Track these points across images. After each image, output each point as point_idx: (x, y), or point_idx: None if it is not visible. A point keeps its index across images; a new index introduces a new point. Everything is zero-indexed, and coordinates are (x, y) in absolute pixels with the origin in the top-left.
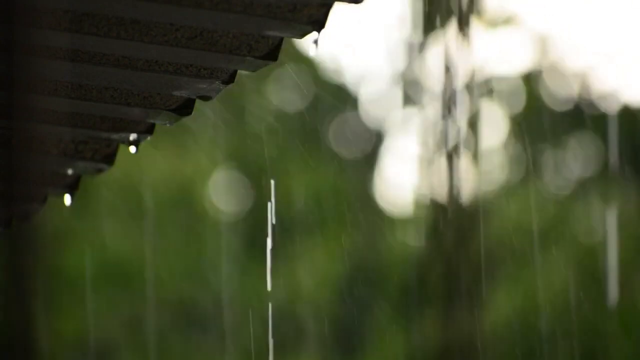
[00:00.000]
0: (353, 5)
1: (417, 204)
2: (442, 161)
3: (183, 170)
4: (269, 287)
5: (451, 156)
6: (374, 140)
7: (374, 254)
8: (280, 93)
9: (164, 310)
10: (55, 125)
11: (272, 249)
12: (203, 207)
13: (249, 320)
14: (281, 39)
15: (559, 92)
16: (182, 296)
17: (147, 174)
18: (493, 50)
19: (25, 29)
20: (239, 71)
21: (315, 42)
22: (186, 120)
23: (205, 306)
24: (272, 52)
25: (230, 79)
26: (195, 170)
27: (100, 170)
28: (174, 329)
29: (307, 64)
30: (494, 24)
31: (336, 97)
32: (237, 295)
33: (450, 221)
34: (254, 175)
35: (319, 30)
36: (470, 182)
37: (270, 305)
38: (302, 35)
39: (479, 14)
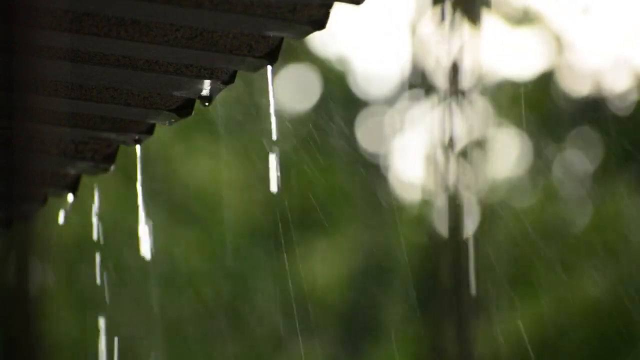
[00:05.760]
0: (353, 5)
1: (424, 203)
2: (451, 160)
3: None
4: (280, 283)
5: (458, 155)
6: (381, 138)
7: (383, 251)
8: (288, 92)
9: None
10: (55, 125)
11: (284, 244)
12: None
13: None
14: (281, 39)
15: (572, 91)
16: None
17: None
18: (504, 48)
19: (25, 29)
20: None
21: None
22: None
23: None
24: (272, 52)
25: (230, 79)
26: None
27: (100, 171)
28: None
29: (314, 63)
30: (504, 21)
31: (342, 96)
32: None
33: (455, 221)
34: (265, 171)
35: (319, 30)
36: (478, 181)
37: (279, 299)
38: (302, 35)
39: (490, 11)
